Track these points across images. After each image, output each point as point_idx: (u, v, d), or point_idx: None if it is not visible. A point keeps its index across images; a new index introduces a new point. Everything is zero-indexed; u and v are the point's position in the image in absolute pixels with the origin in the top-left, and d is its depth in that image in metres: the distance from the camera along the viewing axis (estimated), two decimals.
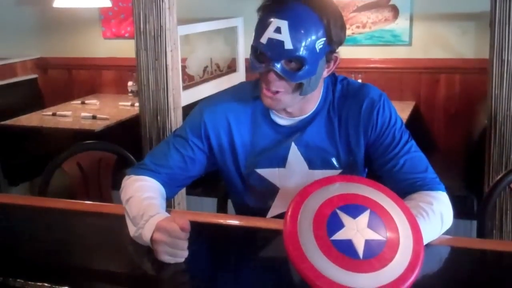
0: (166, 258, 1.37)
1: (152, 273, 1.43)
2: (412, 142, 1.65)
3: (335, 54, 1.59)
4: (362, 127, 1.65)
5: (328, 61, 1.59)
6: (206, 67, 4.03)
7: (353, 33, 4.08)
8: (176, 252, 1.36)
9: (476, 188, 2.97)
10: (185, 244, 1.36)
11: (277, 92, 1.56)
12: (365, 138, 1.65)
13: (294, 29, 1.48)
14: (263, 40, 1.51)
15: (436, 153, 3.93)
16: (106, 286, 1.40)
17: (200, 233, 1.38)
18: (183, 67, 3.59)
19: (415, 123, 3.83)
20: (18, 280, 1.36)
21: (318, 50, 1.52)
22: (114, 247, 1.59)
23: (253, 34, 1.56)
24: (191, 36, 3.79)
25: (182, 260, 1.37)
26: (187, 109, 3.00)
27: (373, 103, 1.64)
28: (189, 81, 3.78)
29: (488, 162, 2.62)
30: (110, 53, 4.71)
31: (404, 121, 3.33)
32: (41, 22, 4.88)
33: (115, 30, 4.69)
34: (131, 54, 2.96)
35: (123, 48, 4.53)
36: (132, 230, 1.48)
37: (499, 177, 1.97)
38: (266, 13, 1.53)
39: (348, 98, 1.67)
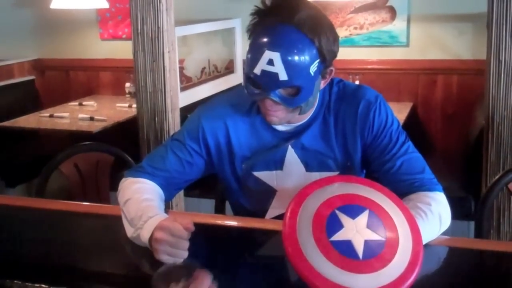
0: (165, 257, 1.36)
1: (150, 273, 1.43)
2: (409, 143, 1.65)
3: (330, 68, 1.59)
4: (358, 129, 1.65)
5: (323, 77, 1.59)
6: (204, 68, 4.03)
7: (350, 34, 4.08)
8: (176, 252, 1.36)
9: (473, 189, 2.97)
10: (187, 244, 1.36)
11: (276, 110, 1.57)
12: (362, 140, 1.66)
13: (287, 60, 1.47)
14: (257, 71, 1.49)
15: (434, 154, 3.94)
16: (104, 287, 1.40)
17: (198, 234, 1.38)
18: (181, 68, 3.59)
19: (413, 124, 3.84)
20: (15, 281, 1.36)
21: (313, 74, 1.52)
22: (111, 248, 1.59)
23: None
24: (188, 37, 3.80)
25: (181, 261, 1.37)
26: (185, 111, 3.01)
27: (369, 105, 1.64)
28: (187, 82, 3.78)
29: (486, 163, 2.62)
30: (107, 55, 4.71)
31: (402, 122, 3.34)
32: (38, 24, 4.87)
33: (113, 31, 4.69)
34: (129, 55, 2.96)
35: (121, 50, 4.53)
36: (129, 231, 1.48)
37: (496, 177, 1.97)
38: (256, 40, 1.51)
39: (344, 100, 1.67)
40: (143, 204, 1.51)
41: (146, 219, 1.43)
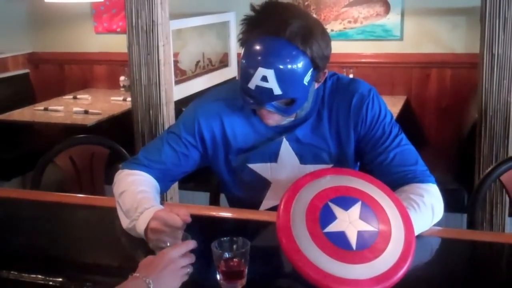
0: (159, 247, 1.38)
1: None
2: (402, 136, 1.66)
3: (323, 71, 1.60)
4: (352, 122, 1.66)
5: (317, 81, 1.61)
6: (198, 61, 4.03)
7: (344, 28, 4.09)
8: (171, 242, 1.37)
9: (466, 181, 2.99)
10: (181, 235, 1.37)
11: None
12: (355, 132, 1.67)
13: (280, 77, 1.47)
14: (251, 86, 1.51)
15: (427, 147, 3.95)
16: (99, 278, 1.41)
17: (193, 225, 1.39)
18: (175, 62, 3.59)
19: (406, 118, 3.85)
20: (12, 272, 1.37)
21: (307, 84, 1.53)
22: (106, 239, 1.60)
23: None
24: (183, 30, 3.79)
25: None
26: (180, 104, 3.01)
27: (363, 98, 1.65)
28: (181, 76, 3.78)
29: (479, 155, 2.64)
30: (102, 48, 4.70)
31: (395, 115, 3.35)
32: (33, 17, 4.86)
33: (107, 25, 4.68)
34: (123, 49, 2.96)
35: (115, 43, 4.52)
36: (125, 222, 1.50)
37: (489, 170, 1.98)
38: (249, 54, 1.51)
39: (338, 94, 1.68)
40: (139, 196, 1.52)
41: (142, 211, 1.44)
